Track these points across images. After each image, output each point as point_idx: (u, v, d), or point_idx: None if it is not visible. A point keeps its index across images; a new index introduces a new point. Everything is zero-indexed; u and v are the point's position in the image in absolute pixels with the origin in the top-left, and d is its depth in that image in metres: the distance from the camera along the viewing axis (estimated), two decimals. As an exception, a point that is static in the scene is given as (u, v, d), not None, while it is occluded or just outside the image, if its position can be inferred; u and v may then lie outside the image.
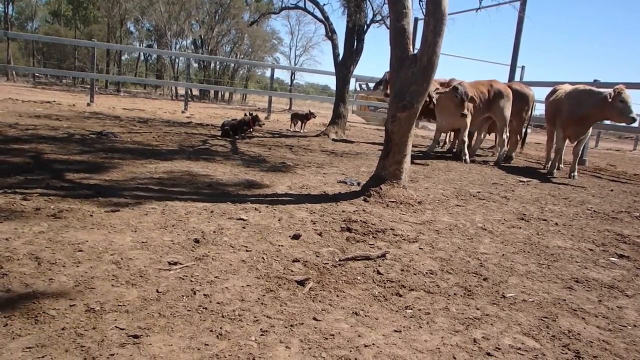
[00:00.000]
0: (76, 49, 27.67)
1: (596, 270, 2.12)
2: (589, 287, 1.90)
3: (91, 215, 2.13)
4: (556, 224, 2.97)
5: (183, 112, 10.09)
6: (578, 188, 4.65)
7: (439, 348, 1.30)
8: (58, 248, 1.72)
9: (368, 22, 7.18)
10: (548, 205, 3.57)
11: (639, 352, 1.40)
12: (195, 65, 27.00)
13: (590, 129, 5.29)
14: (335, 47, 7.53)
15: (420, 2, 5.33)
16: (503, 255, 2.21)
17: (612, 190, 4.70)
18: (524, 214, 3.14)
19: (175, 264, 1.68)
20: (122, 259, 1.68)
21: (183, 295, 1.45)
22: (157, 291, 1.46)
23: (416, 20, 9.17)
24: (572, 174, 5.29)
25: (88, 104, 9.34)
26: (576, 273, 2.05)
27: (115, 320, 1.26)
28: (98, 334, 1.19)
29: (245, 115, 6.45)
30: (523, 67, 9.88)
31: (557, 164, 5.61)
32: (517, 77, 8.70)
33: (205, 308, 1.38)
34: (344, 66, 7.29)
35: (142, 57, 31.95)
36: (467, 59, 25.15)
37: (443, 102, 5.68)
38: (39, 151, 3.65)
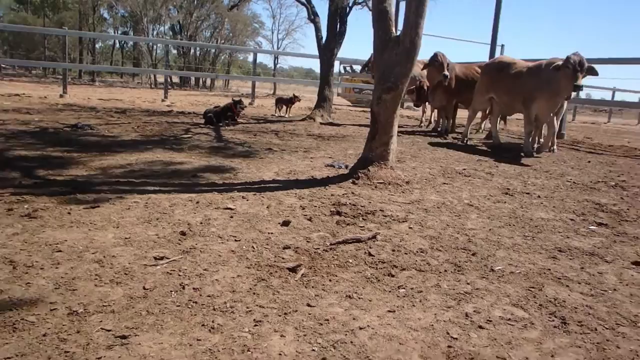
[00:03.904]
0: (46, 37, 26.14)
1: (577, 239, 2.18)
2: (571, 256, 1.95)
3: (69, 213, 2.04)
4: (539, 196, 3.03)
5: (163, 100, 9.76)
6: (558, 161, 4.76)
7: (432, 325, 1.32)
8: (35, 250, 1.64)
9: (350, 4, 7.03)
10: (530, 179, 3.64)
11: (620, 314, 1.46)
12: (175, 51, 25.97)
13: (565, 103, 5.36)
14: (318, 30, 7.35)
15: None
16: (490, 229, 2.24)
17: (589, 162, 4.83)
18: (508, 189, 3.19)
19: (162, 258, 1.63)
20: (104, 257, 1.62)
21: (171, 291, 1.41)
22: (144, 288, 1.41)
23: (398, 2, 9.07)
24: (552, 147, 5.40)
25: (61, 96, 8.91)
26: (559, 243, 2.11)
27: (101, 321, 1.22)
28: (83, 337, 1.14)
29: (232, 100, 6.28)
30: (502, 46, 9.91)
31: (537, 138, 5.71)
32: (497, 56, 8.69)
33: (196, 302, 1.35)
34: (328, 49, 7.14)
35: (117, 45, 30.55)
36: (448, 38, 25.08)
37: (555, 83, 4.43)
38: (9, 148, 3.47)
